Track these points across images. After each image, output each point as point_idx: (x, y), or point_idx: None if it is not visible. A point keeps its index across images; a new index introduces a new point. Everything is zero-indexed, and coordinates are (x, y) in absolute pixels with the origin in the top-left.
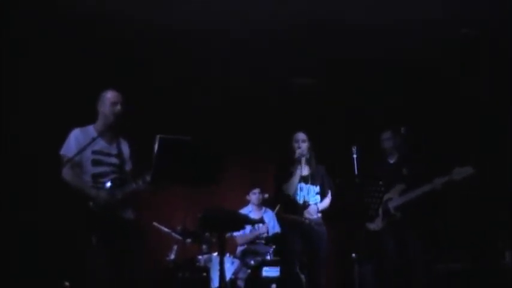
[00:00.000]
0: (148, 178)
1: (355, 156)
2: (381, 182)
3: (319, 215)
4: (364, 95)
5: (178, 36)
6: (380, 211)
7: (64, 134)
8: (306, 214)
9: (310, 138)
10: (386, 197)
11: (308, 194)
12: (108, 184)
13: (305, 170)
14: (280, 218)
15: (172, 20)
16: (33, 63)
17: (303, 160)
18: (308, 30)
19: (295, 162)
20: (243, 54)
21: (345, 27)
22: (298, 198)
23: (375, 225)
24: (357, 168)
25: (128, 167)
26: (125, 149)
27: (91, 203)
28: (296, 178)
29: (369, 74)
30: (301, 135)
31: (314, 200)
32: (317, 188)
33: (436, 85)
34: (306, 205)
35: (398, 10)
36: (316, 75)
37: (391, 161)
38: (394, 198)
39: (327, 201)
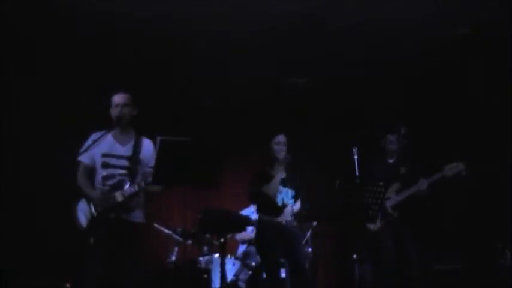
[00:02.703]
0: (149, 179)
1: (355, 157)
2: (381, 183)
3: (292, 217)
4: (364, 95)
5: (178, 36)
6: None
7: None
8: (282, 216)
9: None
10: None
11: (286, 197)
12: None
13: (283, 173)
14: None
15: (172, 19)
16: (32, 64)
17: (283, 163)
18: (307, 30)
19: (274, 164)
20: (243, 54)
21: (345, 27)
22: (278, 200)
23: (374, 225)
24: (358, 169)
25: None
26: (146, 149)
27: (91, 205)
28: (277, 180)
29: (369, 74)
30: (282, 138)
31: (290, 203)
32: (292, 192)
33: (436, 85)
34: (284, 207)
35: (397, 9)
36: (316, 76)
37: (390, 161)
38: (391, 198)
39: (297, 205)
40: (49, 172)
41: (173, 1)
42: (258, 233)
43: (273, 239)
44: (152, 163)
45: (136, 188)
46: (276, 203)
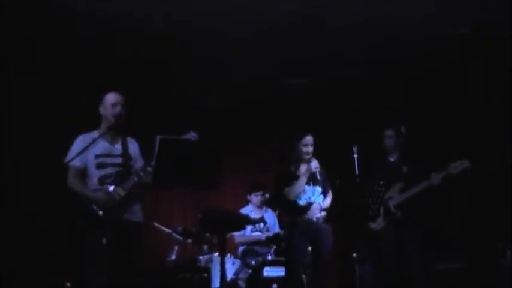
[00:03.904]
0: (149, 168)
1: (355, 156)
2: (381, 182)
3: (323, 213)
4: (364, 95)
5: (178, 36)
6: (381, 210)
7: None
8: (310, 214)
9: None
10: (386, 196)
11: (313, 194)
12: (111, 188)
13: (307, 173)
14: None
15: (172, 20)
16: (32, 65)
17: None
18: (307, 30)
19: (299, 164)
20: (243, 54)
21: (345, 27)
22: (300, 202)
23: (376, 224)
24: (358, 168)
25: (139, 163)
26: (132, 147)
27: (94, 206)
28: (302, 182)
29: (369, 74)
30: (310, 139)
31: (318, 200)
32: (320, 189)
33: (436, 85)
34: (309, 206)
35: (397, 9)
36: (316, 76)
37: (392, 160)
38: (394, 197)
39: (329, 200)
40: (49, 172)
41: (173, 1)
42: (287, 233)
43: (299, 238)
44: (139, 161)
45: (135, 178)
46: (297, 204)
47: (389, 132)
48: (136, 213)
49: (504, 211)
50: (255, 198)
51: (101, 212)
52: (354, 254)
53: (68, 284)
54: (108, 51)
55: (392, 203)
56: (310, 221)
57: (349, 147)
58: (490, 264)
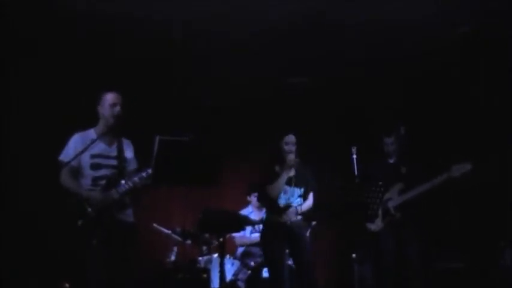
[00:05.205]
0: (144, 174)
1: (354, 156)
2: (380, 183)
3: (299, 217)
4: (364, 95)
5: (178, 36)
6: (380, 211)
7: (65, 136)
8: (285, 216)
9: (298, 140)
10: (385, 197)
11: (292, 196)
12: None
13: (291, 172)
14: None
15: (172, 19)
16: (32, 64)
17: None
18: (307, 30)
19: (283, 163)
20: (243, 54)
21: (345, 27)
22: (280, 201)
23: (375, 225)
24: (357, 169)
25: (132, 166)
26: (128, 149)
27: (86, 205)
28: (283, 180)
29: (369, 74)
30: (292, 138)
31: (297, 203)
32: (300, 191)
33: (436, 85)
34: (287, 207)
35: (397, 9)
36: (316, 76)
37: (391, 161)
38: (393, 198)
39: (308, 203)
40: (49, 172)
41: (173, 1)
42: (262, 231)
43: (274, 238)
44: (132, 163)
45: (130, 183)
46: (277, 204)
47: (389, 139)
48: (127, 213)
49: (504, 211)
50: (255, 198)
51: (90, 209)
52: (354, 254)
53: (67, 285)
54: (108, 51)
55: (391, 204)
56: (285, 223)
57: (349, 147)
58: (490, 264)
